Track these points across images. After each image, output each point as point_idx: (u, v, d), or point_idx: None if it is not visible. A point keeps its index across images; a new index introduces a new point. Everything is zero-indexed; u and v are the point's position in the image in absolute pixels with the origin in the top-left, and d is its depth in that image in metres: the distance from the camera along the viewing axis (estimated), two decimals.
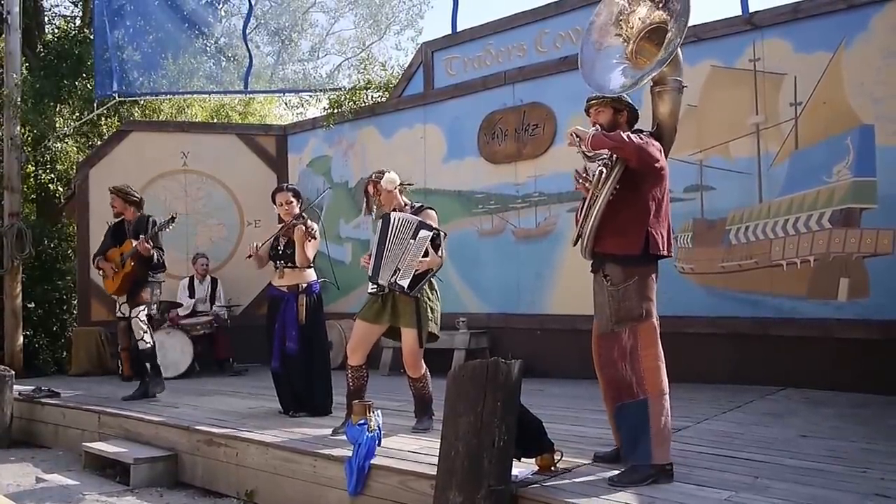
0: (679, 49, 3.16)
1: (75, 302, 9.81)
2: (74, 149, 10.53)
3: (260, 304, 8.24)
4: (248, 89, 10.40)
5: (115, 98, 9.83)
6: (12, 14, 9.40)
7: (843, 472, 3.25)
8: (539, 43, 7.36)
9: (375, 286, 4.34)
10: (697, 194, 6.20)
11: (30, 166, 10.70)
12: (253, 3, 10.81)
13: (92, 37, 10.37)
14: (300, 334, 5.08)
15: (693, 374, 5.67)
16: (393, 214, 4.33)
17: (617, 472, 3.20)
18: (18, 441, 6.31)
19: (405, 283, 4.17)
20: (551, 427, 3.50)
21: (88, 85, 10.24)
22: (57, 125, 10.23)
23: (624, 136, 3.14)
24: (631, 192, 3.20)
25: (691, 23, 3.12)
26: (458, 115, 7.86)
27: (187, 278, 8.67)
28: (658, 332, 3.26)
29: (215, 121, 12.31)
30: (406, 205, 4.52)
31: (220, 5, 10.85)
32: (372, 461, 3.66)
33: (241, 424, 4.82)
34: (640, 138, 3.16)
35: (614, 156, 3.18)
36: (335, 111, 9.18)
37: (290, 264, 5.13)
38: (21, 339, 9.16)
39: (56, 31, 12.54)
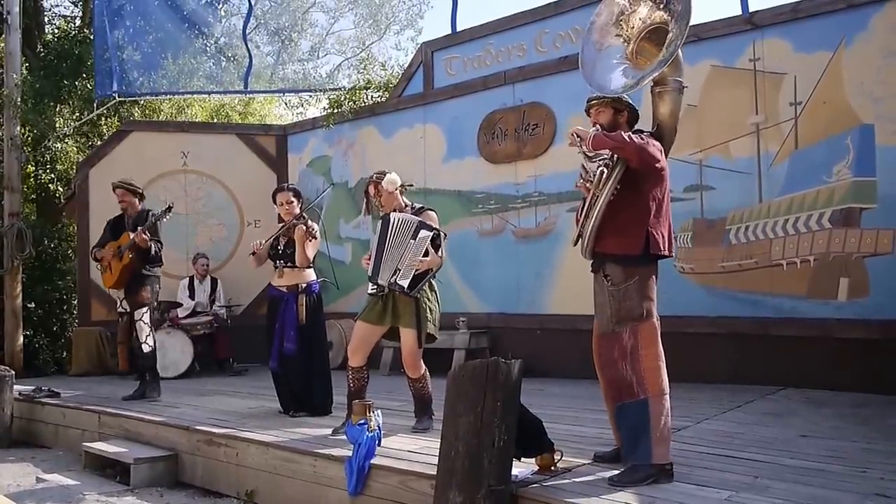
0: (679, 49, 3.16)
1: (75, 302, 9.81)
2: (74, 149, 10.53)
3: (260, 304, 8.23)
4: (248, 89, 10.39)
5: (115, 98, 9.84)
6: (12, 14, 9.40)
7: (843, 472, 3.25)
8: (539, 43, 7.35)
9: (375, 286, 4.34)
10: (697, 194, 6.20)
11: (30, 166, 10.71)
12: (253, 3, 10.82)
13: (92, 37, 10.37)
14: (299, 334, 5.08)
15: (693, 374, 5.67)
16: (393, 215, 4.32)
17: (617, 471, 3.20)
18: (18, 441, 6.31)
19: (405, 283, 4.17)
20: (551, 427, 3.50)
21: (88, 85, 10.24)
22: (57, 125, 10.23)
23: (625, 136, 3.14)
24: (631, 193, 3.20)
25: (691, 23, 3.12)
26: (457, 115, 7.86)
27: (187, 278, 8.67)
28: (658, 331, 3.26)
29: (215, 121, 12.31)
30: (406, 206, 4.52)
31: (220, 5, 10.85)
32: (372, 461, 3.66)
33: (242, 424, 4.82)
34: (641, 138, 3.17)
35: (615, 156, 3.18)
36: (335, 111, 9.18)
37: (289, 264, 5.13)
38: (21, 339, 9.16)
39: (56, 31, 12.54)
